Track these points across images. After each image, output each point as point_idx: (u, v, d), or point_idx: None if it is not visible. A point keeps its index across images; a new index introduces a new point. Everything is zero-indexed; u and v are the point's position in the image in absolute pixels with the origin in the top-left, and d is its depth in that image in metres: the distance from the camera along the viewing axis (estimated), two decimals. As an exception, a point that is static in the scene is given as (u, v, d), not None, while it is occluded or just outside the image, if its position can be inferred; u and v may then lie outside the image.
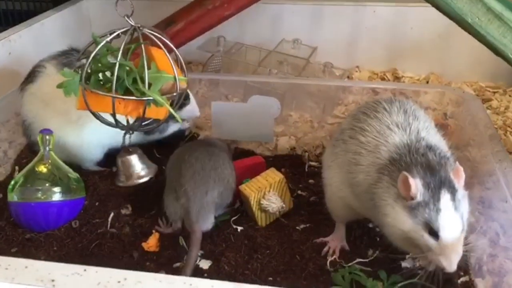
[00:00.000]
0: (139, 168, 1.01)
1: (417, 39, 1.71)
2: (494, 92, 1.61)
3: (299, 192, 1.18)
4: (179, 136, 1.35)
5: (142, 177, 1.01)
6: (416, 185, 0.79)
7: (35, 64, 1.19)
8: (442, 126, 1.32)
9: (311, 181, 1.21)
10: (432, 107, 1.37)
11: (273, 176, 1.10)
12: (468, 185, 1.07)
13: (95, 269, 0.61)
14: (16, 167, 1.25)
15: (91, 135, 1.16)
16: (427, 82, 1.71)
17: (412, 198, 0.79)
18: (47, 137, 1.06)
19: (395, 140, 0.87)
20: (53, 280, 0.60)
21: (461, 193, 0.81)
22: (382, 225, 0.89)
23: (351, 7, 1.72)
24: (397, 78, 1.74)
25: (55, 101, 1.12)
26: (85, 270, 0.61)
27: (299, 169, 1.27)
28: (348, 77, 1.72)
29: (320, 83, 1.44)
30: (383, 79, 1.74)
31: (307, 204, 1.14)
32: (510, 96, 1.59)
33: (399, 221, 0.81)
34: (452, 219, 0.78)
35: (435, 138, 0.90)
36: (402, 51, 1.75)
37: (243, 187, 1.08)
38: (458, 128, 1.25)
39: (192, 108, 1.28)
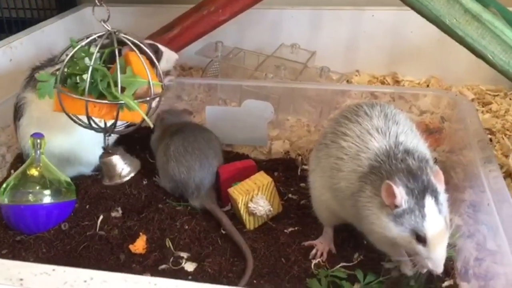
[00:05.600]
0: (120, 168, 1.02)
1: (417, 43, 1.69)
2: (495, 96, 1.59)
3: (290, 195, 1.18)
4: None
5: (124, 176, 1.03)
6: (401, 194, 0.78)
7: (15, 102, 1.20)
8: (437, 130, 1.32)
9: (302, 184, 1.21)
10: (430, 110, 1.36)
11: (261, 179, 1.10)
12: (461, 189, 1.06)
13: (64, 269, 0.62)
14: (12, 171, 1.27)
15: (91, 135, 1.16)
16: (428, 86, 1.69)
17: (397, 206, 0.79)
18: (38, 140, 1.07)
19: (375, 146, 0.87)
20: (21, 279, 0.61)
21: (443, 195, 0.81)
22: (367, 232, 0.89)
23: (350, 11, 1.71)
24: (397, 82, 1.72)
25: (50, 120, 1.12)
26: (53, 269, 0.62)
27: (292, 173, 1.27)
28: (347, 81, 1.71)
29: (315, 87, 1.43)
30: (383, 83, 1.73)
31: (297, 207, 1.14)
32: (510, 99, 1.56)
33: (386, 229, 0.81)
34: (438, 223, 0.78)
35: (414, 141, 0.89)
36: (402, 55, 1.73)
37: (232, 190, 1.08)
38: (452, 131, 1.24)
39: (168, 56, 1.26)
